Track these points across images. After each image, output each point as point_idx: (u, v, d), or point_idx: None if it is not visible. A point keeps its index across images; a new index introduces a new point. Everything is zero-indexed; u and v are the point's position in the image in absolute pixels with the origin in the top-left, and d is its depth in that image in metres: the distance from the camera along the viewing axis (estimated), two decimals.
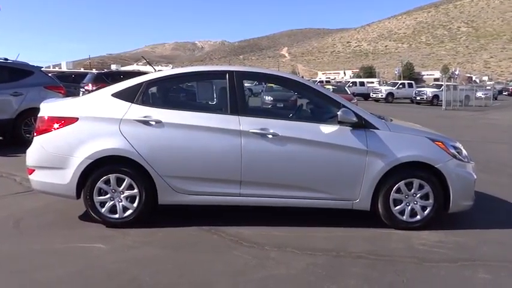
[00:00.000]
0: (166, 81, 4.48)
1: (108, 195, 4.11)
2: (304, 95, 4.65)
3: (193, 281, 3.14)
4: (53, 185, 4.14)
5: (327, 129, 4.14)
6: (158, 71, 4.81)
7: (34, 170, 4.20)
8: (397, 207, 4.23)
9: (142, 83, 4.25)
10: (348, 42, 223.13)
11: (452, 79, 42.30)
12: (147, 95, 4.25)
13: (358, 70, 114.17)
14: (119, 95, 4.19)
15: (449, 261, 3.58)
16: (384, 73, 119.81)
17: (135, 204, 4.11)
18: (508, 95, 59.99)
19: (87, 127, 4.08)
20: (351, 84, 39.83)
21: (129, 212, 4.12)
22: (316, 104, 4.56)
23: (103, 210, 4.11)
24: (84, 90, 14.12)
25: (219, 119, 4.12)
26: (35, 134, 4.22)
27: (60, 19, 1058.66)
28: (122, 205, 4.12)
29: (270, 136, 4.07)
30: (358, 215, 4.39)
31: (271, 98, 16.51)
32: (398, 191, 4.20)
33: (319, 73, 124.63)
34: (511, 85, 77.00)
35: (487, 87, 41.98)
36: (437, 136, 4.40)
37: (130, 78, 15.80)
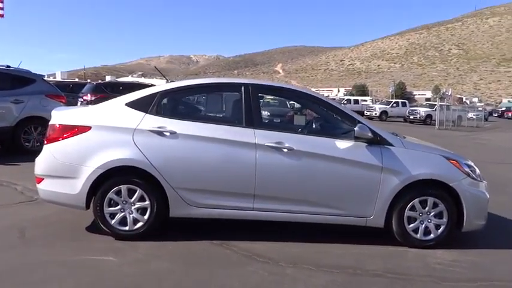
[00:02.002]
0: (181, 92, 4.44)
1: (118, 207, 4.02)
2: (320, 110, 4.62)
3: None
4: (62, 195, 4.04)
5: (342, 144, 4.11)
6: (170, 81, 4.77)
7: (43, 179, 4.10)
8: (411, 225, 4.18)
9: (156, 93, 4.20)
10: (341, 60, 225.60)
11: (445, 99, 42.81)
12: (161, 106, 4.19)
13: (351, 88, 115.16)
14: (132, 104, 4.13)
15: (467, 281, 3.53)
16: (377, 92, 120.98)
17: (146, 217, 4.02)
18: (498, 116, 60.96)
19: (100, 136, 4.01)
20: (345, 102, 40.12)
21: (139, 224, 4.03)
22: (331, 119, 4.53)
23: (113, 221, 4.01)
24: (82, 100, 14.01)
25: (234, 132, 4.08)
26: (45, 142, 4.13)
27: (55, 29, 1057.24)
28: (133, 217, 4.02)
29: (285, 150, 4.03)
30: (370, 232, 4.34)
31: (268, 113, 16.52)
32: (413, 208, 4.16)
33: (313, 90, 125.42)
34: (500, 107, 78.52)
35: (479, 109, 42.60)
36: (452, 154, 4.40)
37: (129, 89, 15.75)
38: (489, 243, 4.51)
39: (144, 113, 4.08)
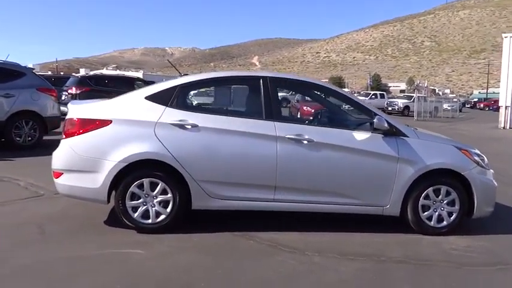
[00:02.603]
0: (199, 86, 4.45)
1: (141, 200, 4.01)
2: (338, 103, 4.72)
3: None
4: (82, 189, 4.00)
5: (360, 136, 4.21)
6: (184, 75, 4.76)
7: (62, 174, 4.05)
8: (425, 213, 4.33)
9: (176, 86, 4.19)
10: (317, 52, 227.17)
11: (422, 91, 43.91)
12: (181, 99, 4.20)
13: (327, 80, 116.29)
14: (152, 98, 4.11)
15: (485, 265, 3.69)
16: (353, 84, 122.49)
17: (168, 209, 4.03)
18: (471, 107, 62.84)
19: (121, 130, 3.98)
20: None
21: (162, 217, 4.04)
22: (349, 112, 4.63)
23: (135, 215, 4.01)
24: (67, 93, 13.71)
25: (255, 124, 4.12)
26: (64, 136, 4.08)
27: (24, 20, 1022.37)
28: (155, 210, 4.03)
29: (305, 142, 4.10)
30: (382, 220, 4.47)
31: None
32: (427, 197, 4.31)
33: None
34: (471, 98, 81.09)
35: (454, 100, 43.82)
36: (462, 144, 4.57)
37: (114, 82, 15.67)
38: (494, 229, 4.68)
39: (165, 106, 4.07)
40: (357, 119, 4.46)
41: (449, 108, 37.76)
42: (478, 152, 4.59)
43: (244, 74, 4.71)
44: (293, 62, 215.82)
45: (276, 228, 4.29)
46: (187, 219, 4.32)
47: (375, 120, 4.13)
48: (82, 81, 14.53)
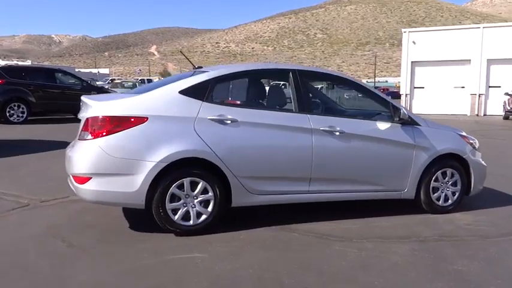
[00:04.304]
0: (231, 79, 4.30)
1: (181, 201, 3.79)
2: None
3: (335, 277, 3.13)
4: (117, 194, 3.65)
5: (382, 126, 4.45)
6: (198, 67, 4.53)
7: (89, 178, 3.64)
8: (435, 194, 4.74)
9: (208, 80, 4.00)
10: (217, 42, 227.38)
11: None
12: (215, 93, 4.02)
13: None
14: (187, 92, 3.88)
15: (502, 236, 4.15)
16: None
17: (209, 209, 3.87)
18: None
19: (159, 127, 3.70)
20: None
21: (203, 217, 3.87)
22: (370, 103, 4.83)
23: (176, 217, 3.78)
24: None
25: (291, 118, 4.13)
26: (91, 136, 3.65)
27: None
28: (196, 210, 3.84)
29: (337, 133, 4.22)
30: (378, 204, 4.79)
31: None
32: (436, 179, 4.72)
33: None
34: None
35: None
36: (460, 131, 5.06)
37: (33, 74, 14.57)
38: (482, 204, 5.24)
39: (201, 101, 3.88)
40: (372, 110, 4.69)
41: (347, 97, 40.70)
42: (472, 136, 5.14)
43: (275, 66, 4.64)
44: (193, 52, 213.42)
45: (307, 219, 4.36)
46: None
47: (401, 111, 4.40)
48: None
